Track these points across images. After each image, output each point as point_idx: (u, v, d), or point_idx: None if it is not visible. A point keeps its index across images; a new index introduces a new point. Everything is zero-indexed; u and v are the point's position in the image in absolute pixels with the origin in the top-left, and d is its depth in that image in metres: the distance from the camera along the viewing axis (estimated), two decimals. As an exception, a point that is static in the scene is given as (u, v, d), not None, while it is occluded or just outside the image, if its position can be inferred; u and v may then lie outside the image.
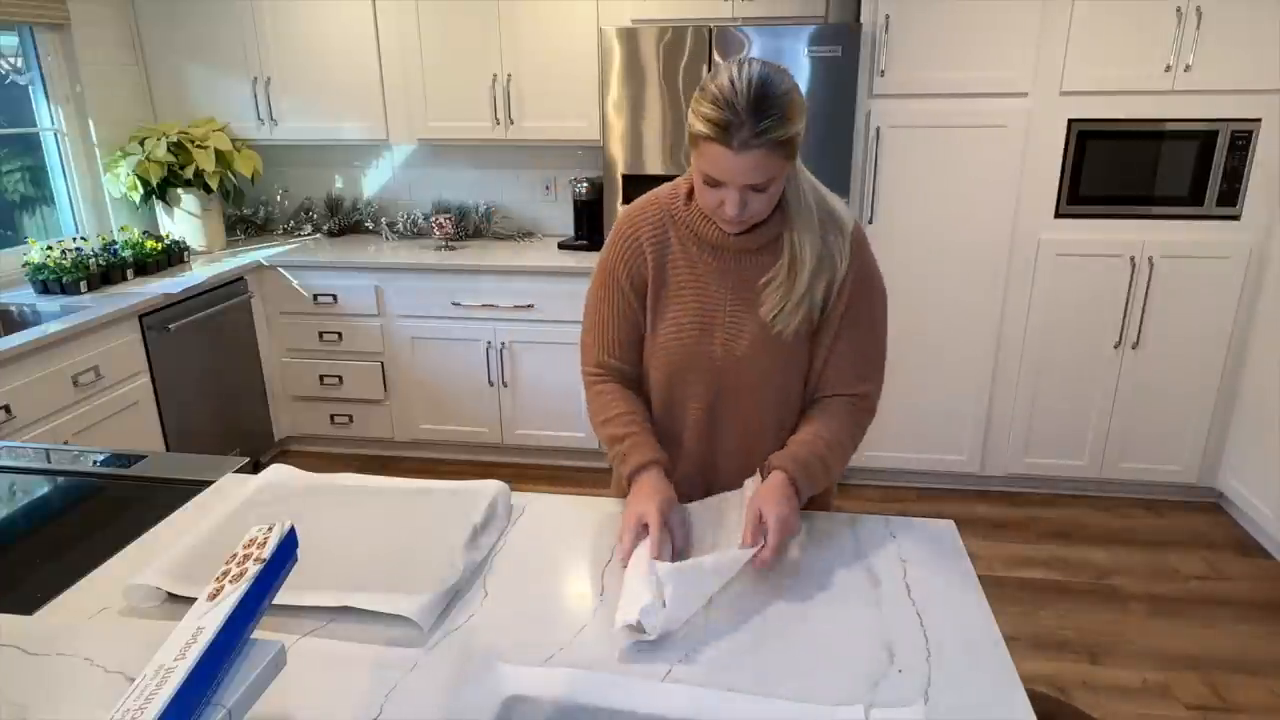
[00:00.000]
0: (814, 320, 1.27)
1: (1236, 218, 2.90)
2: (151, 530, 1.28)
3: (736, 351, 1.28)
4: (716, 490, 1.34)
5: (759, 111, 1.08)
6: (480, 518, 1.26)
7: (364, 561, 1.14)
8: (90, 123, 3.39)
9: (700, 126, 1.12)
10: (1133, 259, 2.95)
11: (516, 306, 3.32)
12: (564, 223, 3.80)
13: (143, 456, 1.55)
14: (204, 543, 1.18)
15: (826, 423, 1.29)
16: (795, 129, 1.12)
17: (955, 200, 2.98)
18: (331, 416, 3.61)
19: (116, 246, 3.14)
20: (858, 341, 1.29)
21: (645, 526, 1.15)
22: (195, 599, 1.04)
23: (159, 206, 3.56)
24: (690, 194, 1.28)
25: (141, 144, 3.39)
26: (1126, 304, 3.00)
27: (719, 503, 1.29)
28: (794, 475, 1.21)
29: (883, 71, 2.88)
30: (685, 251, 1.30)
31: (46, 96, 3.28)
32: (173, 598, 1.09)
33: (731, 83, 1.09)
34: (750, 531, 1.13)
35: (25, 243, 3.09)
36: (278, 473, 1.40)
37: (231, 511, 1.27)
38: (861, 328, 1.29)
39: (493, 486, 1.34)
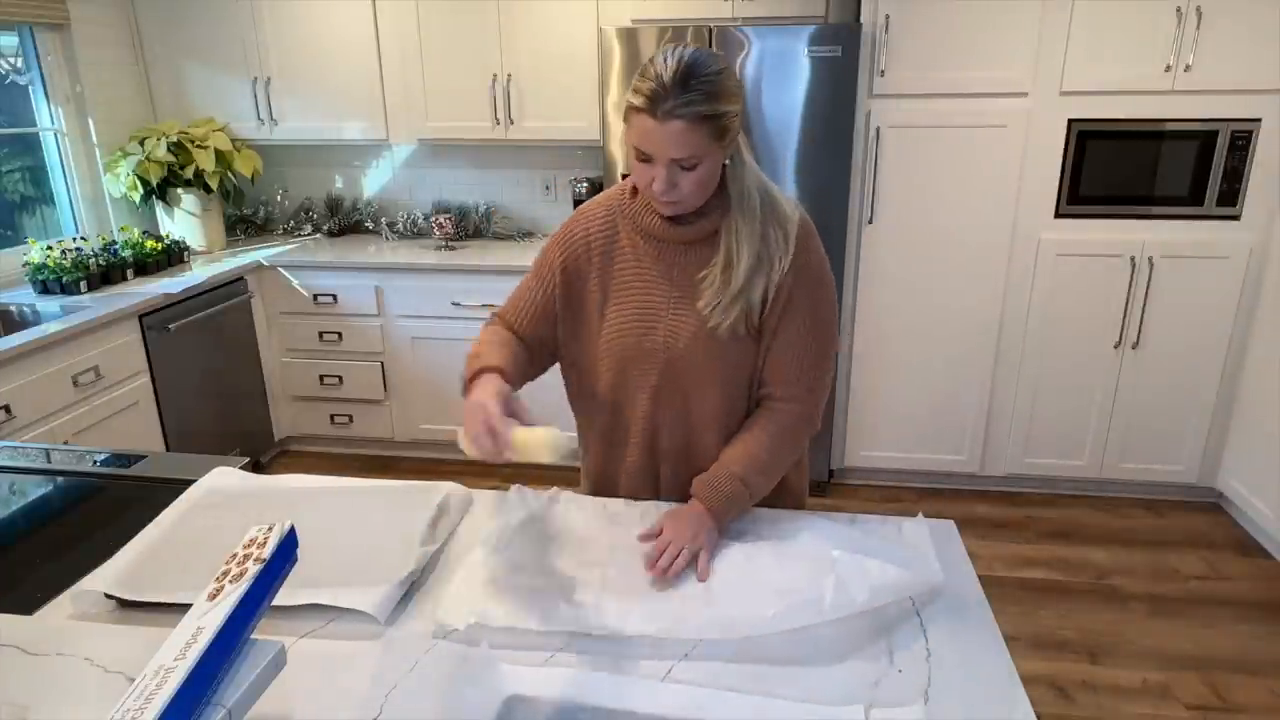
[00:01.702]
0: (753, 319, 1.25)
1: (1236, 218, 2.90)
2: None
3: (677, 346, 1.28)
4: (662, 490, 1.39)
5: (684, 85, 1.11)
6: (433, 512, 1.27)
7: (319, 559, 1.13)
8: (90, 123, 3.39)
9: (631, 99, 1.16)
10: (1133, 259, 2.95)
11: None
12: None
13: (143, 456, 1.55)
14: (151, 549, 1.18)
15: (756, 437, 1.28)
16: (722, 108, 1.14)
17: (955, 200, 2.98)
18: (331, 416, 3.61)
19: (116, 246, 3.14)
20: (797, 338, 1.27)
21: (485, 413, 1.17)
22: (144, 603, 1.05)
23: (159, 206, 3.56)
24: (637, 189, 1.29)
25: (141, 144, 3.39)
26: (1126, 304, 3.00)
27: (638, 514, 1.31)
28: (710, 505, 1.23)
29: (883, 71, 2.88)
30: (632, 245, 1.31)
31: (46, 96, 3.28)
32: (122, 604, 1.08)
33: (664, 60, 1.14)
34: (650, 562, 1.15)
35: (25, 243, 3.09)
36: (219, 477, 1.39)
37: (177, 517, 1.26)
38: (801, 323, 1.26)
39: (445, 485, 1.37)
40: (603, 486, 1.45)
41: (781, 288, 1.24)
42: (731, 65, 1.19)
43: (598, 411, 1.40)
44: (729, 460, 1.27)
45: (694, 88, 1.12)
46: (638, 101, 1.14)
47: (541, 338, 1.38)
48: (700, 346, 1.27)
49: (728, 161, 1.22)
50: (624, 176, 3.16)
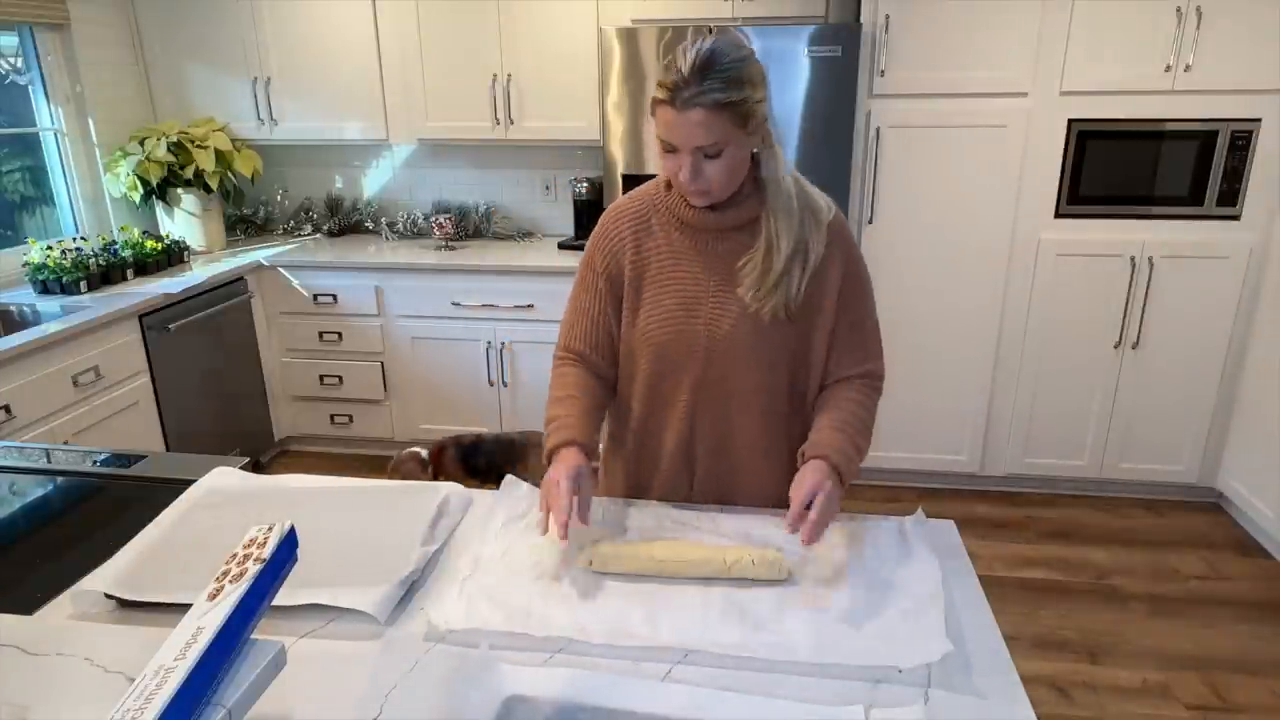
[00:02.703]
0: (793, 304, 1.27)
1: (1236, 218, 2.90)
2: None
3: (720, 331, 1.29)
4: (696, 486, 1.39)
5: (703, 74, 1.13)
6: (433, 512, 1.27)
7: (319, 559, 1.13)
8: (90, 123, 3.39)
9: (655, 93, 1.18)
10: (1133, 259, 2.95)
11: (516, 306, 3.32)
12: (564, 223, 3.80)
13: (143, 456, 1.55)
14: (151, 549, 1.18)
15: (845, 407, 1.31)
16: (742, 94, 1.15)
17: (955, 200, 2.98)
18: (331, 416, 3.61)
19: (116, 246, 3.14)
20: (855, 326, 1.33)
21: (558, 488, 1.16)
22: (144, 603, 1.05)
23: (159, 206, 3.56)
24: (670, 182, 1.31)
25: (141, 144, 3.39)
26: (1126, 304, 3.00)
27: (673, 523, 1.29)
28: (834, 462, 1.21)
29: (883, 71, 2.88)
30: (667, 236, 1.33)
31: (46, 96, 3.28)
32: (122, 604, 1.08)
33: (684, 52, 1.15)
34: (794, 515, 1.13)
35: (25, 243, 3.09)
36: (220, 477, 1.39)
37: (177, 517, 1.26)
38: (856, 312, 1.33)
39: (445, 485, 1.36)
40: (636, 484, 1.44)
41: (826, 277, 1.28)
42: (753, 52, 1.20)
43: (634, 405, 1.40)
44: (832, 428, 1.27)
45: (713, 76, 1.13)
46: (660, 94, 1.17)
47: (613, 350, 1.40)
48: (743, 332, 1.28)
49: (757, 150, 1.24)
50: (624, 177, 3.18)
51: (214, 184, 3.49)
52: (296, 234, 3.93)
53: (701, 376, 1.32)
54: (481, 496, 1.40)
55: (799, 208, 1.26)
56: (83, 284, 2.90)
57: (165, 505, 1.29)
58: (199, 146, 3.42)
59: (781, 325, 1.29)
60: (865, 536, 1.24)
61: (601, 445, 1.44)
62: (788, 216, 1.25)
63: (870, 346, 1.36)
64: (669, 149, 1.21)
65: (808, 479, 1.17)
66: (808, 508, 1.12)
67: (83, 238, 3.34)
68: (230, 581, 0.80)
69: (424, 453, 2.52)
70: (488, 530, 1.25)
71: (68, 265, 2.90)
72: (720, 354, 1.30)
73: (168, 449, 2.94)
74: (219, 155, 3.46)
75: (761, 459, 1.37)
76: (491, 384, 3.42)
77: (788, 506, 1.16)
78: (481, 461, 2.37)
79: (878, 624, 1.04)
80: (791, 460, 1.28)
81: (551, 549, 1.20)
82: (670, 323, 1.31)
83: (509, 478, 1.38)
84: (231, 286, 3.28)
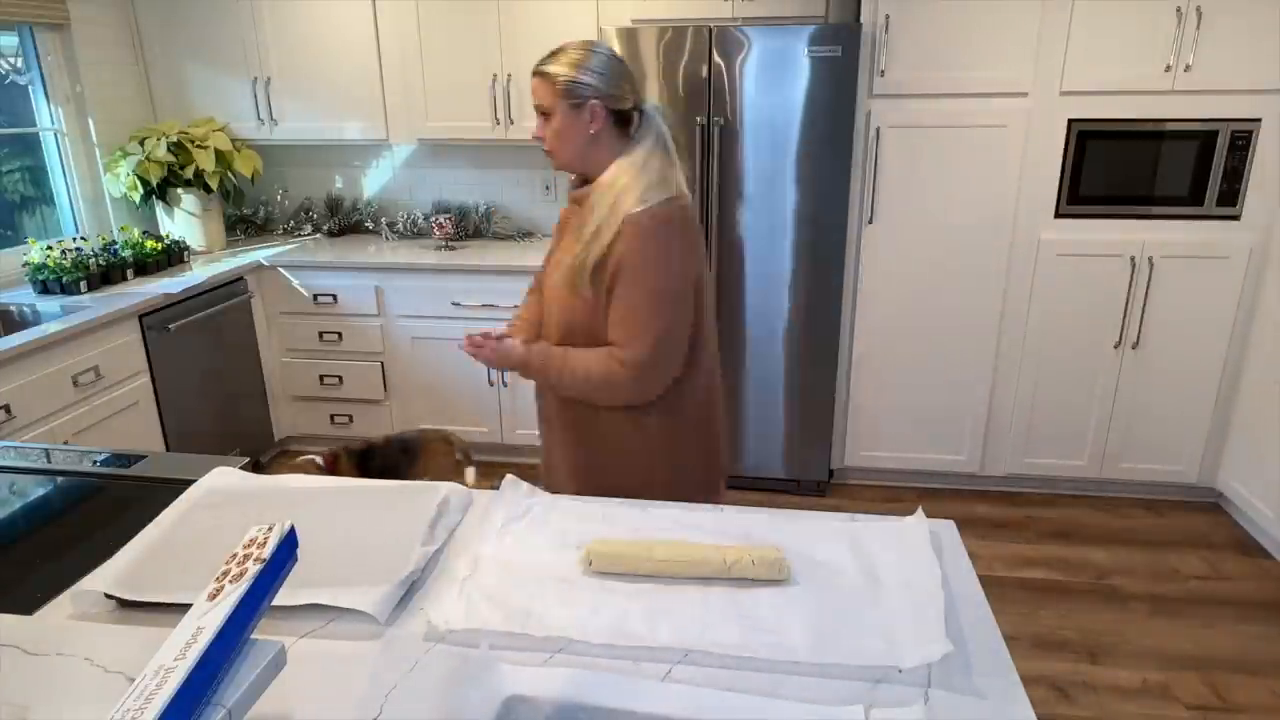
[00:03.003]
0: (584, 274, 1.46)
1: (1236, 218, 2.90)
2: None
3: (549, 285, 1.57)
4: (545, 423, 1.67)
5: (554, 52, 1.47)
6: (433, 512, 1.27)
7: (319, 559, 1.14)
8: (90, 123, 3.39)
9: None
10: (1133, 259, 2.95)
11: (516, 306, 3.30)
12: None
13: (143, 456, 1.55)
14: (151, 549, 1.18)
15: (584, 350, 1.51)
16: (569, 74, 1.44)
17: (955, 200, 2.99)
18: (331, 416, 3.61)
19: (116, 246, 3.14)
20: (619, 313, 1.47)
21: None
22: (144, 603, 1.06)
23: (159, 206, 3.56)
24: None
25: (141, 144, 3.39)
26: (1126, 304, 3.00)
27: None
28: (529, 349, 1.53)
29: (883, 71, 2.88)
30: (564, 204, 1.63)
31: (46, 96, 3.28)
32: (122, 604, 1.08)
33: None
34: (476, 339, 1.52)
35: (25, 243, 3.09)
36: (220, 477, 1.39)
37: (177, 517, 1.26)
38: (621, 305, 1.47)
39: (445, 485, 1.37)
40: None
41: (610, 264, 1.45)
42: (617, 62, 1.50)
43: None
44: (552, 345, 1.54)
45: (558, 54, 1.46)
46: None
47: None
48: (558, 295, 1.53)
49: (594, 133, 1.47)
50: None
51: (214, 184, 3.49)
52: (296, 234, 3.93)
53: (548, 327, 1.58)
54: (481, 496, 1.40)
55: (611, 204, 1.45)
56: (83, 284, 2.90)
57: (165, 505, 1.29)
58: (199, 146, 3.42)
59: (580, 289, 1.48)
60: (864, 536, 1.24)
61: None
62: (599, 204, 1.47)
63: (626, 330, 1.47)
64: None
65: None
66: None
67: (83, 238, 3.34)
68: (230, 581, 0.80)
69: (319, 459, 2.50)
70: (487, 530, 1.25)
71: (68, 265, 2.90)
72: (550, 311, 1.56)
73: (168, 449, 2.94)
74: (219, 155, 3.46)
75: (559, 417, 1.62)
76: (491, 384, 3.42)
77: (584, 475, 1.57)
78: (377, 464, 2.35)
79: (878, 624, 1.04)
80: (589, 429, 1.56)
81: (552, 549, 1.20)
82: (538, 278, 1.67)
83: (509, 477, 1.38)
84: (231, 286, 3.28)
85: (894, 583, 1.12)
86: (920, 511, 1.29)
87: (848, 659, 0.98)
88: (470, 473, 2.40)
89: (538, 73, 1.46)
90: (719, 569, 1.12)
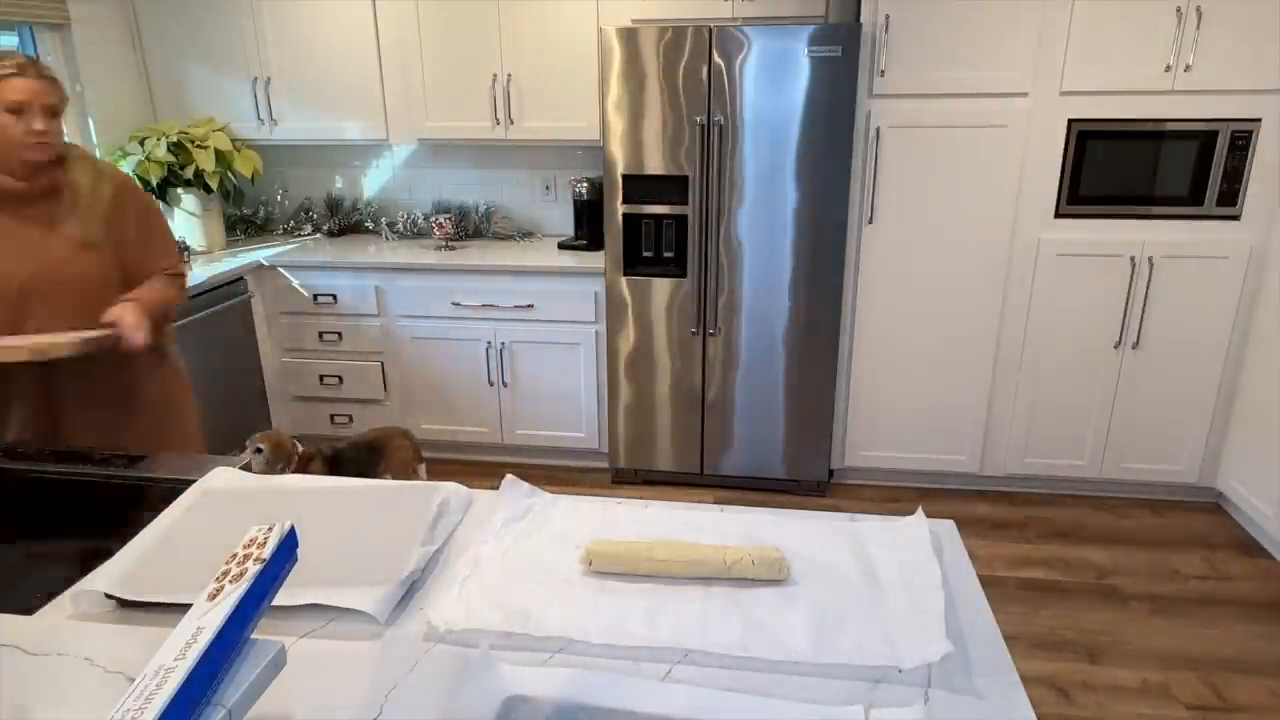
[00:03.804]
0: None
1: (1236, 218, 2.90)
2: (151, 530, 1.27)
3: None
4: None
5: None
6: (433, 512, 1.27)
7: (319, 559, 1.14)
8: (90, 123, 3.39)
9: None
10: (1133, 259, 2.95)
11: (516, 306, 3.32)
12: (564, 223, 3.80)
13: (143, 456, 1.55)
14: (151, 549, 1.18)
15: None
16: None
17: (955, 200, 2.99)
18: (331, 416, 3.61)
19: (116, 246, 3.14)
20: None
21: None
22: (144, 603, 1.05)
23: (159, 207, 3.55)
24: None
25: (141, 144, 3.39)
26: (1126, 304, 3.00)
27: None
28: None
29: (883, 71, 2.88)
30: None
31: (46, 96, 3.28)
32: (122, 604, 1.08)
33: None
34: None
35: (25, 243, 3.09)
36: (219, 477, 1.39)
37: (177, 517, 1.26)
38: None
39: (445, 485, 1.37)
40: None
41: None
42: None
43: None
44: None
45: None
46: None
47: None
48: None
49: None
50: (624, 177, 3.18)
51: (214, 184, 3.49)
52: (296, 234, 3.93)
53: None
54: (481, 496, 1.40)
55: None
56: (83, 284, 2.90)
57: (165, 505, 1.29)
58: (199, 146, 3.42)
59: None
60: (865, 536, 1.24)
61: None
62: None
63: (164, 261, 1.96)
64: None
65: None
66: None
67: (83, 238, 3.34)
68: (230, 581, 0.80)
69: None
70: (488, 530, 1.25)
71: (68, 265, 2.90)
72: None
73: (168, 449, 2.93)
74: (219, 155, 3.46)
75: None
76: (491, 384, 3.42)
77: None
78: (350, 469, 2.38)
79: (878, 624, 1.04)
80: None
81: (552, 549, 1.20)
82: None
83: (509, 477, 1.38)
84: (231, 286, 3.28)
85: (894, 583, 1.12)
86: (920, 511, 1.29)
87: (848, 659, 0.98)
88: (422, 469, 2.45)
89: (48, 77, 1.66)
90: (719, 569, 1.12)
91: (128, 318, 1.71)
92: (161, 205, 3.54)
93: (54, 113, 1.63)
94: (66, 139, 1.77)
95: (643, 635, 1.02)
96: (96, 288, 1.76)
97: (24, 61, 1.65)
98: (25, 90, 1.62)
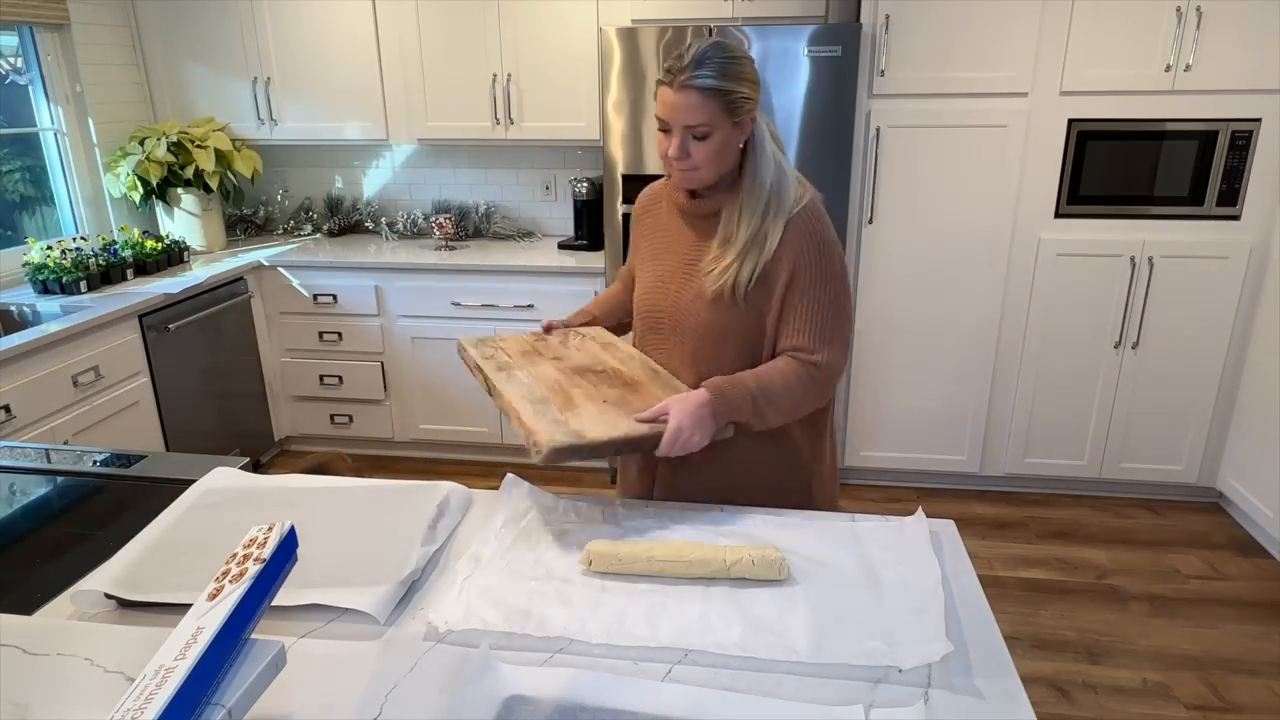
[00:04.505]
0: (740, 289, 1.35)
1: (1236, 218, 2.90)
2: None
3: (681, 305, 1.43)
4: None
5: (699, 62, 1.28)
6: (433, 512, 1.27)
7: (319, 559, 1.14)
8: (90, 123, 3.39)
9: (660, 76, 1.34)
10: (1133, 259, 2.95)
11: (516, 306, 3.32)
12: (564, 223, 3.80)
13: (143, 456, 1.55)
14: (151, 549, 1.18)
15: (766, 369, 1.36)
16: (731, 85, 1.30)
17: (955, 200, 2.98)
18: (331, 416, 3.61)
19: (116, 246, 3.14)
20: (805, 314, 1.36)
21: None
22: (144, 603, 1.05)
23: (159, 206, 3.56)
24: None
25: (141, 144, 3.39)
26: (1126, 304, 3.00)
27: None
28: (710, 393, 1.29)
29: (883, 71, 2.88)
30: (669, 219, 1.49)
31: (46, 96, 3.28)
32: (122, 604, 1.08)
33: (690, 45, 1.31)
34: (650, 415, 1.26)
35: (25, 243, 3.09)
36: (220, 477, 1.39)
37: (177, 517, 1.26)
38: (808, 302, 1.36)
39: (445, 485, 1.37)
40: None
41: (781, 268, 1.34)
42: (751, 58, 1.36)
43: None
44: (737, 375, 1.35)
45: (708, 64, 1.28)
46: (662, 76, 1.32)
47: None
48: (698, 308, 1.40)
49: (744, 146, 1.36)
50: (624, 177, 3.17)
51: (214, 184, 3.49)
52: (296, 234, 3.93)
53: (668, 346, 1.47)
54: (481, 496, 1.40)
55: (764, 206, 1.36)
56: (82, 284, 2.90)
57: (165, 505, 1.29)
58: (199, 146, 3.42)
59: (735, 306, 1.37)
60: (865, 536, 1.24)
61: None
62: (752, 210, 1.36)
63: (816, 339, 1.37)
64: (664, 128, 1.34)
65: (679, 401, 1.28)
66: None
67: (83, 238, 3.34)
68: (230, 581, 0.80)
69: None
70: (488, 530, 1.25)
71: (68, 265, 2.90)
72: (681, 328, 1.43)
73: (168, 449, 2.94)
74: (219, 155, 3.46)
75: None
76: (491, 384, 3.42)
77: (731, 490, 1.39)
78: None
79: (877, 624, 1.04)
80: (738, 442, 1.37)
81: (552, 549, 1.20)
82: (647, 296, 1.49)
83: (510, 476, 1.38)
84: (231, 286, 3.28)
85: (894, 583, 1.12)
86: (920, 511, 1.29)
87: (848, 659, 0.98)
88: None
89: (696, 88, 1.28)
90: (719, 569, 1.12)
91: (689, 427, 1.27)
92: (161, 205, 3.55)
93: (696, 134, 1.32)
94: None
95: (643, 635, 1.02)
96: (719, 328, 1.43)
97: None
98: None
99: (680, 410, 1.25)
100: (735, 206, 1.37)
